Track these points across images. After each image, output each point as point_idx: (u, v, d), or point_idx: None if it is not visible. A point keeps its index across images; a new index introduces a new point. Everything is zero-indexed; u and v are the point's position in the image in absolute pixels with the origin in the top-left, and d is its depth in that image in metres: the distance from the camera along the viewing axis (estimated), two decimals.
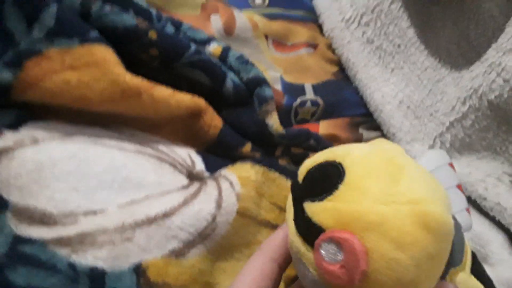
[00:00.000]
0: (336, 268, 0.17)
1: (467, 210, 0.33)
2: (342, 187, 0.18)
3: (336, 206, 0.17)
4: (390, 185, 0.17)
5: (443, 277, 0.19)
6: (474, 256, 0.23)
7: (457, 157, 0.41)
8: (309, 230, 0.18)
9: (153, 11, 0.38)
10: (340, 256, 0.17)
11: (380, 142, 0.21)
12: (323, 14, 0.53)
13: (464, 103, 0.39)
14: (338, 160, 0.19)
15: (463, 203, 0.32)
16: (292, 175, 0.30)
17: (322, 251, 0.17)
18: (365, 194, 0.17)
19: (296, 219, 0.19)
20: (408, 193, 0.17)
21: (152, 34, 0.34)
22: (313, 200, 0.18)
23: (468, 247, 0.22)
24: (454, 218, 0.20)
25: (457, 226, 0.21)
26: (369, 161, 0.18)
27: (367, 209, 0.17)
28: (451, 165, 0.33)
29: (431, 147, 0.42)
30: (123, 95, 0.31)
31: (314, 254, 0.17)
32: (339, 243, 0.16)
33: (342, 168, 0.18)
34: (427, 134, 0.43)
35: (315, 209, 0.18)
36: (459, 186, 0.33)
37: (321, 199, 0.18)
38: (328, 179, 0.18)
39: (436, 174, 0.34)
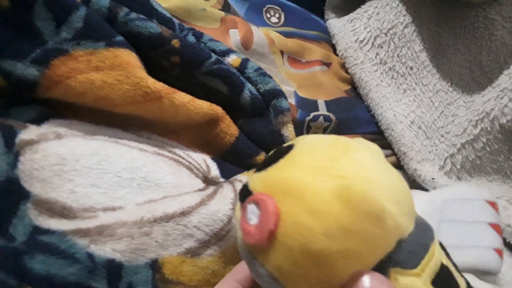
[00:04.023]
0: (252, 228, 0.17)
1: (497, 251, 0.31)
2: (281, 161, 0.18)
3: (268, 174, 0.18)
4: (324, 161, 0.17)
5: (381, 271, 0.17)
6: (447, 271, 0.20)
7: (467, 178, 0.41)
8: (243, 196, 0.19)
9: (176, 22, 0.39)
10: (257, 217, 0.17)
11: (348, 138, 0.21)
12: (337, 34, 0.55)
13: (475, 126, 0.40)
14: (294, 142, 0.19)
15: (491, 241, 0.31)
16: None
17: (247, 213, 0.18)
18: (296, 165, 0.18)
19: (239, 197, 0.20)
20: (341, 170, 0.17)
21: (175, 42, 0.35)
22: (256, 172, 0.19)
23: (443, 259, 0.20)
24: (424, 223, 0.20)
25: (423, 228, 0.20)
26: (317, 142, 0.19)
27: (290, 176, 0.17)
28: (491, 203, 0.32)
29: (442, 168, 0.42)
30: (145, 98, 0.31)
31: (241, 216, 0.18)
32: (258, 204, 0.17)
33: (292, 147, 0.19)
34: (438, 154, 0.43)
35: (253, 178, 0.19)
36: (494, 225, 0.32)
37: (261, 170, 0.19)
38: (276, 155, 0.19)
39: (466, 205, 0.33)
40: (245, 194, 0.18)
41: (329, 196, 0.16)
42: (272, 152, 0.20)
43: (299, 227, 0.16)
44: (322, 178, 0.16)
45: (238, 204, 0.19)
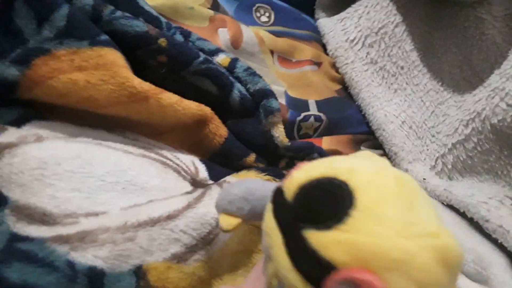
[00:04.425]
0: None
1: None
2: (354, 213, 0.15)
3: (353, 239, 0.14)
4: (408, 214, 0.15)
5: None
6: None
7: (458, 178, 0.41)
8: (315, 266, 0.15)
9: (163, 20, 0.38)
10: None
11: (370, 156, 0.19)
12: (327, 34, 0.54)
13: (467, 125, 0.40)
14: (341, 178, 0.16)
15: None
16: None
17: None
18: (384, 224, 0.15)
19: (292, 251, 0.16)
20: (427, 224, 0.15)
21: (162, 41, 0.34)
22: (318, 228, 0.15)
23: None
24: None
25: None
26: (380, 183, 0.16)
27: (391, 245, 0.14)
28: None
29: (433, 168, 0.42)
30: (130, 98, 0.30)
31: None
32: (357, 286, 0.14)
33: (349, 188, 0.16)
34: (429, 155, 0.43)
35: (323, 240, 0.15)
36: None
37: (329, 227, 0.15)
38: (335, 202, 0.15)
39: None
40: (319, 266, 0.15)
41: (434, 263, 0.15)
42: (314, 191, 0.16)
43: None
44: (418, 242, 0.15)
45: (296, 274, 0.15)
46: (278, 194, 0.18)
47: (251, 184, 0.23)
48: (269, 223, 0.17)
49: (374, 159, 0.19)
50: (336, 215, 0.15)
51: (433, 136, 0.44)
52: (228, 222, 0.22)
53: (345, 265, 0.14)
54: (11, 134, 0.27)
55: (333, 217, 0.15)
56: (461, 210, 0.38)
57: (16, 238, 0.23)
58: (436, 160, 0.42)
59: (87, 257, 0.23)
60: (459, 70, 0.46)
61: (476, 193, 0.38)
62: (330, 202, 0.15)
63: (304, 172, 0.17)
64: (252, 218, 0.22)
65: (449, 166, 0.41)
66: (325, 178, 0.16)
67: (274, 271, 0.17)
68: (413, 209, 0.16)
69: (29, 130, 0.28)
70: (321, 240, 0.15)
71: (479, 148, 0.39)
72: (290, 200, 0.17)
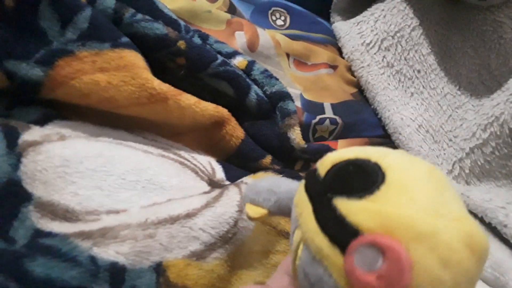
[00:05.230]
0: (372, 278, 0.14)
1: None
2: (384, 188, 0.16)
3: (381, 208, 0.15)
4: (436, 196, 0.16)
5: None
6: None
7: (476, 183, 0.40)
8: (341, 231, 0.15)
9: (182, 23, 0.39)
10: (379, 265, 0.14)
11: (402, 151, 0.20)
12: (343, 37, 0.54)
13: (484, 130, 0.39)
14: (373, 159, 0.17)
15: None
16: None
17: (357, 257, 0.15)
18: (413, 200, 0.15)
19: (320, 216, 0.17)
20: (455, 209, 0.16)
21: (181, 44, 0.34)
22: (348, 197, 0.16)
23: None
24: None
25: None
26: (411, 167, 0.17)
27: (418, 218, 0.15)
28: None
29: (450, 172, 0.42)
30: (150, 99, 0.31)
31: (345, 258, 0.15)
32: (381, 250, 0.14)
33: (381, 168, 0.16)
34: (446, 159, 0.42)
35: (352, 208, 0.16)
36: None
37: (359, 198, 0.16)
38: (366, 176, 0.16)
39: None
40: (345, 230, 0.15)
41: (458, 243, 0.15)
42: (346, 167, 0.17)
43: (435, 280, 0.14)
44: (446, 222, 0.15)
45: (323, 237, 0.16)
46: (311, 172, 0.19)
47: (278, 179, 0.24)
48: (300, 195, 0.19)
49: (406, 153, 0.20)
50: (367, 188, 0.16)
51: (450, 140, 0.43)
52: (255, 210, 0.22)
53: (372, 231, 0.15)
54: (35, 132, 0.27)
55: (364, 189, 0.16)
56: (479, 215, 0.37)
57: (40, 233, 0.23)
58: (454, 164, 0.42)
59: (109, 252, 0.23)
60: (477, 74, 0.45)
61: (494, 198, 0.38)
62: (361, 176, 0.16)
63: (338, 153, 0.19)
64: (278, 212, 0.22)
65: (467, 171, 0.41)
66: (358, 158, 0.17)
67: (301, 236, 0.18)
68: (442, 195, 0.16)
69: (52, 129, 0.28)
70: (350, 207, 0.16)
71: (497, 153, 0.39)
72: (322, 175, 0.18)
